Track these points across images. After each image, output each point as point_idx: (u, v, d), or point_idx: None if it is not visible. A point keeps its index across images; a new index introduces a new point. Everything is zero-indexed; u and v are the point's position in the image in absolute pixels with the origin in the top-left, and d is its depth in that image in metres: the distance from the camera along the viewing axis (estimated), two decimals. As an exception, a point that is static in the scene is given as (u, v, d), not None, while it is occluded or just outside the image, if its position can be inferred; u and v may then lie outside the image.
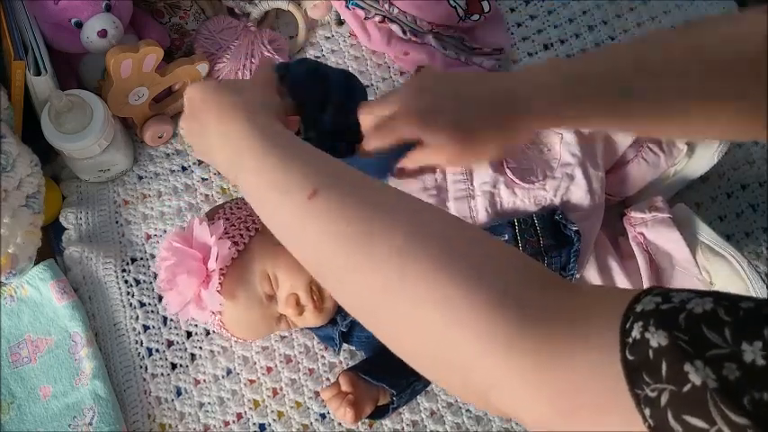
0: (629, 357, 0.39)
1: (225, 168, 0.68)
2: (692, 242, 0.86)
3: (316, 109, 0.79)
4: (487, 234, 0.55)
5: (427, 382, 0.87)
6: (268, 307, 0.81)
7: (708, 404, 0.36)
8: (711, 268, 0.85)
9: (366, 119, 0.74)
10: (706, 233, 0.86)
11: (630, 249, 0.86)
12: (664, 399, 0.37)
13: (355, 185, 0.57)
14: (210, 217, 0.84)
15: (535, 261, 0.53)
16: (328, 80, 0.82)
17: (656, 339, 0.39)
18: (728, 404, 0.35)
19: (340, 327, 0.83)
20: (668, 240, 0.85)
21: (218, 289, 0.77)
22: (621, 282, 0.84)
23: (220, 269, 0.78)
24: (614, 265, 0.84)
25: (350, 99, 0.83)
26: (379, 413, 0.83)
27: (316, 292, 0.81)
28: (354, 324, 0.84)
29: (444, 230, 0.53)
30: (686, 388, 0.37)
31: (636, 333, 0.40)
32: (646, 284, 0.83)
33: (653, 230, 0.86)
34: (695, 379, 0.36)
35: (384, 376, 0.80)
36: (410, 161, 0.73)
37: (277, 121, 0.67)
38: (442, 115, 0.70)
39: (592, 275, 0.83)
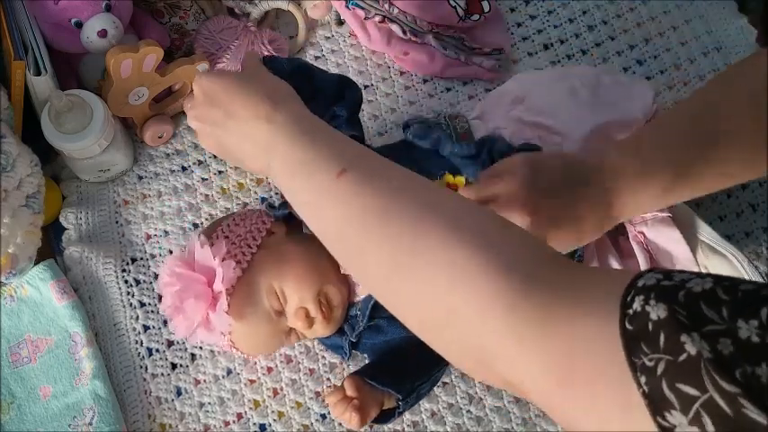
0: (629, 327, 0.41)
1: (252, 156, 0.68)
2: (692, 241, 0.86)
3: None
4: (499, 216, 0.56)
5: (432, 386, 0.86)
6: (277, 322, 0.81)
7: (701, 373, 0.37)
8: (711, 267, 0.85)
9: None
10: (706, 232, 0.86)
11: (630, 249, 0.86)
12: (660, 368, 0.38)
13: (379, 167, 0.61)
14: (209, 236, 0.82)
15: (544, 243, 0.56)
16: (314, 80, 0.83)
17: (656, 312, 0.40)
18: (721, 374, 0.36)
19: (350, 338, 0.83)
20: (668, 239, 0.85)
21: (226, 310, 0.76)
22: None
23: (227, 290, 0.77)
24: (615, 265, 0.84)
25: (338, 103, 0.83)
26: (384, 418, 0.82)
27: (324, 303, 0.81)
28: (362, 333, 0.84)
29: (458, 208, 0.56)
30: (682, 358, 0.38)
31: (637, 305, 0.41)
32: None
33: (653, 229, 0.86)
34: (691, 349, 0.38)
35: (389, 381, 0.80)
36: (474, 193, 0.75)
37: (302, 105, 0.69)
38: (548, 209, 0.72)
39: None
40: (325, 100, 0.83)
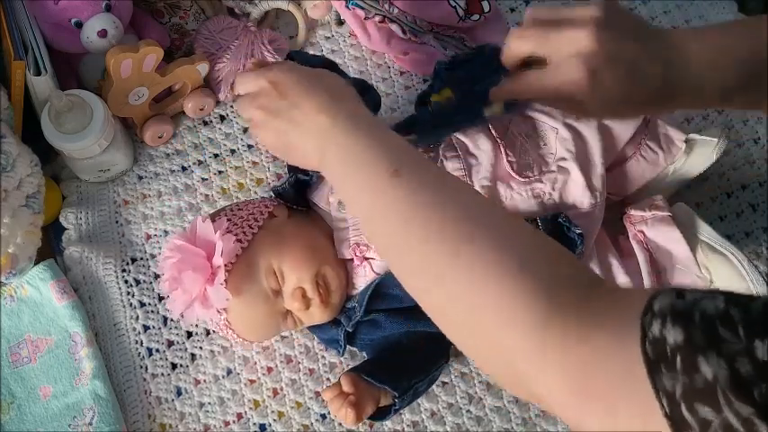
0: (650, 353, 0.42)
1: (309, 148, 0.69)
2: (692, 240, 0.86)
3: None
4: (540, 231, 0.58)
5: (430, 384, 0.86)
6: (274, 303, 0.81)
7: (717, 394, 0.38)
8: (711, 267, 0.85)
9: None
10: (706, 232, 0.86)
11: (630, 248, 0.86)
12: (678, 391, 0.39)
13: (432, 173, 0.63)
14: (212, 217, 0.83)
15: (575, 260, 0.58)
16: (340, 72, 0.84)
17: (673, 336, 0.41)
18: (737, 394, 0.37)
19: (345, 327, 0.83)
20: (668, 239, 0.85)
21: (224, 283, 0.77)
22: (622, 280, 0.84)
23: (225, 265, 0.77)
24: (615, 264, 0.84)
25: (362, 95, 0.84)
26: (381, 414, 0.82)
27: (322, 285, 0.81)
28: (359, 325, 0.84)
29: (504, 225, 0.58)
30: (698, 380, 0.39)
31: (655, 330, 0.42)
32: (646, 282, 0.83)
33: (653, 228, 0.86)
34: (707, 371, 0.38)
35: (386, 378, 0.80)
36: (533, 82, 0.71)
37: (363, 105, 0.70)
38: (618, 63, 0.67)
39: None
40: None
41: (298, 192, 0.88)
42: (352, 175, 0.65)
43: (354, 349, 0.90)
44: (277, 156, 0.78)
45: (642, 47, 0.67)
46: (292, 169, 0.88)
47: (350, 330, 0.83)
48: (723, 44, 0.68)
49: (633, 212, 0.88)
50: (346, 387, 0.79)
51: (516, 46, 0.72)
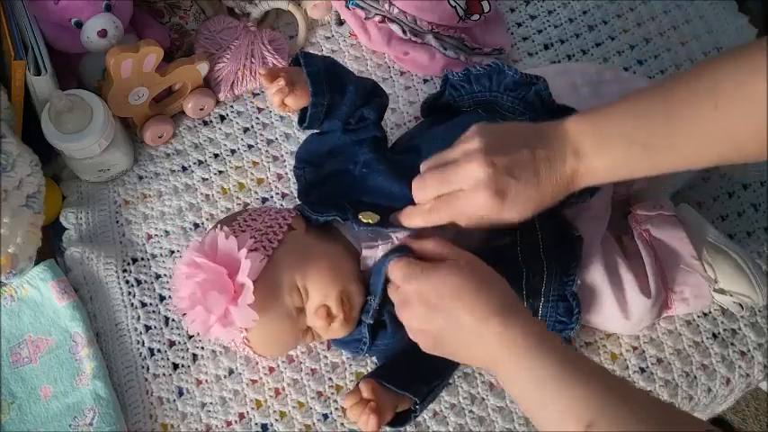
0: None
1: (477, 356, 0.70)
2: (696, 240, 0.86)
3: (336, 93, 0.82)
4: None
5: (446, 384, 0.86)
6: (297, 320, 0.77)
7: None
8: (716, 266, 0.85)
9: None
10: (710, 232, 0.86)
11: (634, 248, 0.86)
12: None
13: (629, 424, 0.59)
14: (230, 229, 0.78)
15: None
16: (346, 80, 0.84)
17: None
18: None
19: (367, 320, 0.79)
20: (674, 238, 0.85)
21: (251, 304, 0.72)
22: (628, 279, 0.83)
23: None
24: (620, 263, 0.84)
25: (366, 105, 0.84)
26: (399, 421, 0.81)
27: (346, 302, 0.78)
28: (377, 327, 0.81)
29: None
30: None
31: None
32: (651, 282, 0.83)
33: (658, 228, 0.86)
34: None
35: (407, 384, 0.78)
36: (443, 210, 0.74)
37: (532, 319, 0.69)
38: (517, 173, 0.70)
39: (598, 274, 0.83)
40: (354, 101, 0.83)
41: None
42: (536, 412, 0.65)
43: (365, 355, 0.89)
44: (436, 353, 0.75)
45: (532, 150, 0.70)
46: (301, 183, 0.88)
47: (371, 323, 0.79)
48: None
49: (639, 212, 0.88)
50: (366, 394, 0.77)
51: (422, 195, 0.75)
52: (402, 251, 0.75)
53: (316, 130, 0.87)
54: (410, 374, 0.80)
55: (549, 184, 0.70)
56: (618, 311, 0.83)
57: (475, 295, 0.68)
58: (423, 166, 0.76)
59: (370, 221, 0.77)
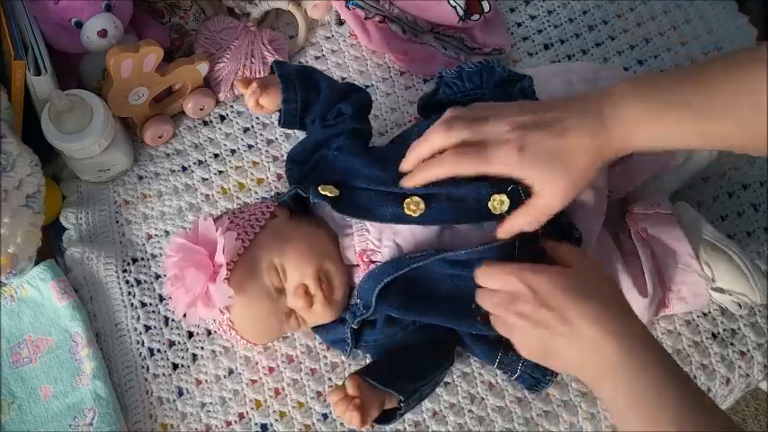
0: None
1: (582, 363, 0.68)
2: (694, 239, 0.86)
3: (310, 90, 0.85)
4: None
5: (435, 387, 0.86)
6: (277, 300, 0.81)
7: None
8: (713, 265, 0.85)
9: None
10: (708, 230, 0.86)
11: (631, 246, 0.86)
12: None
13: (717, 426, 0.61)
14: (214, 219, 0.83)
15: None
16: (320, 82, 0.86)
17: None
18: None
19: (351, 324, 0.82)
20: (671, 237, 0.85)
21: (226, 278, 0.77)
22: (624, 279, 0.83)
23: (227, 263, 0.77)
24: (617, 262, 0.84)
25: (344, 101, 0.86)
26: (386, 418, 0.81)
27: (324, 281, 0.81)
28: (365, 324, 0.83)
29: None
30: None
31: None
32: (648, 281, 0.83)
33: (655, 227, 0.86)
34: None
35: (392, 381, 0.79)
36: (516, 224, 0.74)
37: (638, 319, 0.69)
38: (535, 142, 0.70)
39: None
40: (330, 98, 0.85)
41: (300, 198, 0.88)
42: (633, 423, 0.65)
43: (357, 351, 0.89)
44: (532, 359, 0.75)
45: (561, 112, 0.70)
46: (292, 182, 0.90)
47: (355, 327, 0.82)
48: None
49: (636, 210, 0.88)
50: (351, 390, 0.78)
51: (444, 139, 0.74)
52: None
53: (301, 132, 0.91)
54: (398, 372, 0.80)
55: (581, 161, 0.69)
56: None
57: (590, 297, 0.67)
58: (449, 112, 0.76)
59: (328, 194, 0.80)
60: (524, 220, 0.74)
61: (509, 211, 0.76)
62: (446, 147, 0.73)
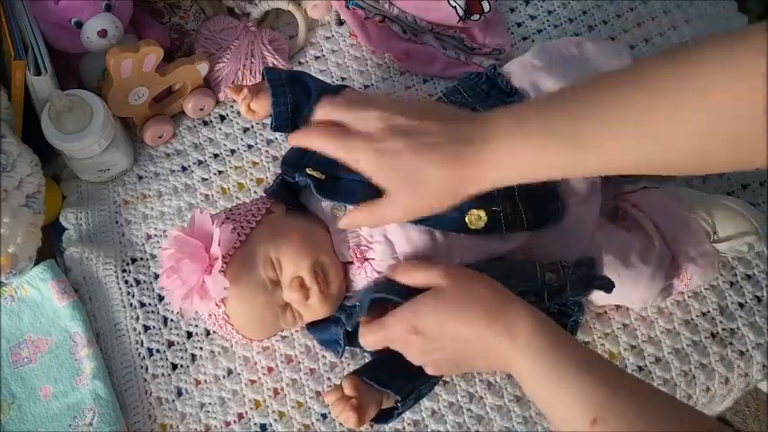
0: None
1: (493, 369, 0.73)
2: (685, 201, 0.90)
3: (300, 93, 0.86)
4: None
5: (433, 386, 0.86)
6: (272, 293, 0.80)
7: None
8: (711, 215, 0.88)
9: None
10: (696, 194, 0.92)
11: (630, 224, 0.89)
12: None
13: (632, 413, 0.60)
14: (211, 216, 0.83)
15: None
16: (310, 84, 0.87)
17: None
18: None
19: (345, 326, 0.82)
20: (665, 203, 0.89)
21: (221, 270, 0.77)
22: (632, 247, 0.86)
23: (223, 256, 0.77)
24: (621, 237, 0.87)
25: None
26: (384, 417, 0.82)
27: (320, 274, 0.80)
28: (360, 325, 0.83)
29: None
30: None
31: None
32: (656, 241, 0.86)
33: (648, 198, 0.89)
34: None
35: (389, 382, 0.79)
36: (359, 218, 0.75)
37: (531, 314, 0.69)
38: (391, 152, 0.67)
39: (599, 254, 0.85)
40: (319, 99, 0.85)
41: (291, 193, 0.88)
42: (547, 410, 0.66)
43: (355, 349, 0.89)
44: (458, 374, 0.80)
45: (440, 125, 0.67)
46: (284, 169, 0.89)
47: (350, 329, 0.82)
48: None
49: (626, 189, 0.92)
50: (348, 390, 0.78)
51: (322, 113, 0.72)
52: (382, 289, 0.77)
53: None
54: (394, 372, 0.80)
55: (437, 174, 0.65)
56: (629, 281, 0.85)
57: (468, 309, 0.69)
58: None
59: (315, 174, 0.81)
60: (365, 219, 0.75)
61: (486, 229, 0.78)
62: (323, 121, 0.72)
